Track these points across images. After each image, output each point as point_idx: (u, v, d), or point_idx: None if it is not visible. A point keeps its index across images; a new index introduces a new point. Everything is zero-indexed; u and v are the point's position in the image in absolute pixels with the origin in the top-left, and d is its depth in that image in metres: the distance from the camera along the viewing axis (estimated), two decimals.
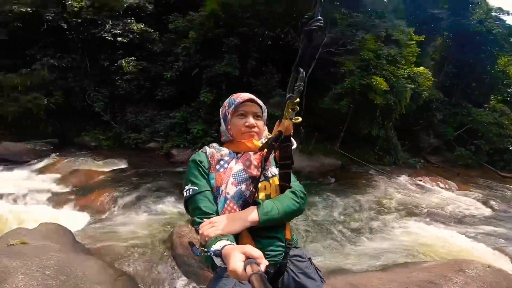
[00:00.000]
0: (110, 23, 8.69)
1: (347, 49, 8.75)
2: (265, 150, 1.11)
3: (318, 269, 1.23)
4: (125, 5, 8.85)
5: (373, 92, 7.90)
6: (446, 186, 8.05)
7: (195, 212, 1.07)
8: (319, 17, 0.90)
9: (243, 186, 1.09)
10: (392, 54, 8.27)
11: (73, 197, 5.46)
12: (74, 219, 4.66)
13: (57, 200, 5.24)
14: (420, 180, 8.34)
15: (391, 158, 10.31)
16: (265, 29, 9.07)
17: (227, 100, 1.23)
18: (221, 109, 1.24)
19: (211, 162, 1.15)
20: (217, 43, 8.77)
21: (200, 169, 1.13)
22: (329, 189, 6.79)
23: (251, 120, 1.18)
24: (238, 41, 8.50)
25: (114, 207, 5.08)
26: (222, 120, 1.23)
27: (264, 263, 0.69)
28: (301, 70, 0.96)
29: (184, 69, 8.76)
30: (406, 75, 8.63)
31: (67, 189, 5.86)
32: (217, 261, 0.82)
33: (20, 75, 7.99)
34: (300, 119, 1.10)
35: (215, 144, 1.23)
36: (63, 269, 2.81)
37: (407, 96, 8.66)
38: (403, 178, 8.40)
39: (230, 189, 1.08)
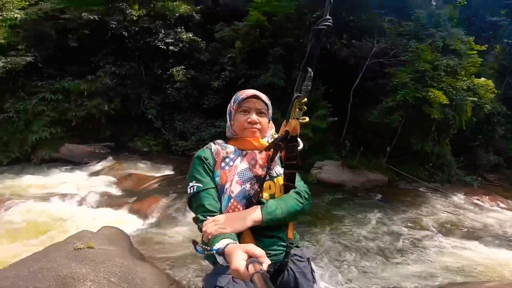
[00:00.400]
0: (163, 32, 9.19)
1: (400, 60, 8.29)
2: (272, 150, 1.11)
3: (313, 270, 1.25)
4: (177, 14, 9.28)
5: (428, 106, 7.38)
6: (508, 206, 7.37)
7: (198, 209, 1.07)
8: (328, 17, 0.89)
9: (248, 185, 1.08)
10: (452, 65, 7.65)
11: (127, 200, 5.83)
12: (129, 223, 4.96)
13: (113, 203, 5.62)
14: (478, 199, 7.66)
15: (444, 175, 9.49)
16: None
17: (234, 96, 1.23)
18: (228, 106, 1.25)
19: (216, 159, 1.14)
20: (262, 53, 8.88)
21: (205, 166, 1.12)
22: (375, 206, 6.47)
23: (253, 117, 1.17)
24: (283, 51, 8.52)
25: (164, 213, 5.32)
26: (228, 117, 1.23)
27: (266, 262, 0.69)
28: (310, 69, 0.96)
29: (230, 79, 8.98)
30: (466, 87, 7.95)
31: (122, 192, 6.30)
32: (220, 259, 0.82)
33: (86, 82, 8.72)
34: (307, 119, 1.09)
35: (220, 141, 1.22)
36: (125, 276, 2.98)
37: (468, 109, 7.95)
38: (458, 197, 7.79)
39: (235, 187, 1.07)
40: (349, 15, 9.63)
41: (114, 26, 8.44)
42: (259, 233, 1.07)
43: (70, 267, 2.72)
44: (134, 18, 8.51)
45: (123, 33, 8.65)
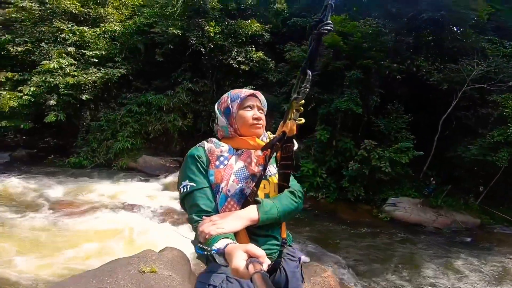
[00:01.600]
0: (235, 50, 9.37)
1: (509, 86, 6.89)
2: (269, 149, 1.10)
3: (303, 270, 1.27)
4: (249, 33, 9.40)
5: None
6: None
7: (192, 209, 1.05)
8: (329, 21, 0.90)
9: (244, 184, 1.08)
10: None
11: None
12: (188, 243, 4.85)
13: (177, 220, 5.66)
14: None
15: None
16: (391, 61, 8.23)
17: (226, 95, 1.21)
18: (218, 104, 1.22)
19: (210, 158, 1.12)
20: (336, 76, 8.37)
21: (199, 164, 1.10)
22: (462, 250, 5.77)
23: (258, 113, 1.17)
24: (360, 74, 7.91)
25: None
26: (221, 115, 1.19)
27: (266, 262, 0.70)
28: (309, 72, 0.96)
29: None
30: None
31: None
32: (220, 259, 0.81)
33: (166, 96, 9.41)
34: (303, 120, 1.09)
35: (214, 139, 1.18)
36: None
37: None
38: None
39: (232, 186, 1.07)
40: (439, 34, 8.60)
41: (193, 42, 8.87)
42: (254, 232, 1.07)
43: None
44: (211, 34, 8.82)
45: (201, 49, 9.04)
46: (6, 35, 8.62)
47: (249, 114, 1.16)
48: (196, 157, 1.11)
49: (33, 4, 8.74)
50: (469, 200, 7.89)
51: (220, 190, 1.07)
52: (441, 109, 7.99)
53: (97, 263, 3.53)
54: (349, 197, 8.00)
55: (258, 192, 1.09)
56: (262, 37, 9.95)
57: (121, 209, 5.93)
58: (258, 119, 1.17)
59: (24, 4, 8.63)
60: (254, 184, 1.07)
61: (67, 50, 8.64)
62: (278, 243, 1.16)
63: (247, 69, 9.34)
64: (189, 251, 4.46)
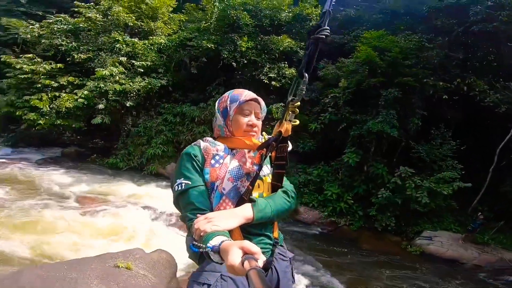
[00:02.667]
0: (268, 66, 9.39)
1: None
2: (264, 149, 1.12)
3: (293, 270, 1.28)
4: (280, 48, 9.37)
5: None
6: None
7: (187, 207, 1.06)
8: (327, 27, 0.92)
9: (239, 183, 1.09)
10: None
11: None
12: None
13: (184, 227, 5.61)
14: None
15: None
16: (437, 79, 7.44)
17: (227, 94, 1.22)
18: (218, 102, 1.23)
19: (206, 156, 1.12)
20: (371, 95, 7.82)
21: (194, 162, 1.11)
22: None
23: (254, 120, 1.18)
24: (398, 93, 7.26)
25: None
26: (219, 114, 1.20)
27: (261, 259, 0.71)
28: (306, 75, 0.98)
29: (330, 122, 8.21)
30: None
31: None
32: (215, 257, 0.81)
33: (199, 109, 9.77)
34: (297, 121, 1.10)
35: (209, 138, 1.20)
36: None
37: None
38: None
39: (227, 185, 1.08)
40: (494, 49, 7.66)
41: (225, 55, 9.15)
42: (247, 231, 1.08)
43: (88, 285, 2.49)
44: (243, 49, 9.01)
45: (233, 63, 9.27)
46: (73, 43, 9.97)
47: (244, 120, 1.17)
48: (192, 155, 1.12)
49: (97, 15, 10.04)
50: None
51: (215, 188, 1.08)
52: (497, 136, 6.98)
53: (91, 253, 3.60)
54: (376, 226, 7.31)
55: (253, 192, 1.11)
56: (297, 54, 9.85)
57: (136, 209, 6.12)
58: (252, 126, 1.17)
59: (90, 15, 9.94)
60: (249, 183, 1.08)
61: (120, 59, 9.63)
62: (270, 242, 1.18)
63: (278, 85, 9.26)
64: (184, 256, 4.36)
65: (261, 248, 1.05)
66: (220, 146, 1.15)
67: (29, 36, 10.05)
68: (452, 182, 6.89)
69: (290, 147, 1.15)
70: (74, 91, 9.46)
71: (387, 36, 7.86)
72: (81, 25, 10.12)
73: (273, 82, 9.22)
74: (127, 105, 9.50)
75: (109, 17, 10.05)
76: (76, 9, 10.34)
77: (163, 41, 10.18)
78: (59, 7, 11.17)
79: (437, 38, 7.89)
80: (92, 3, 10.46)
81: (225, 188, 1.08)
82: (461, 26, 7.61)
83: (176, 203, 1.14)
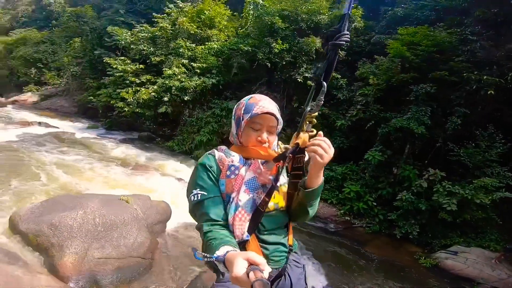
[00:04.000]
0: (305, 66, 9.73)
1: None
2: (281, 161, 1.11)
3: (306, 277, 1.29)
4: (313, 49, 9.57)
5: None
6: None
7: (202, 217, 1.06)
8: (347, 32, 0.89)
9: (255, 194, 1.09)
10: None
11: None
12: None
13: None
14: None
15: None
16: (482, 73, 6.61)
17: (244, 101, 1.19)
18: (235, 108, 1.21)
19: (221, 167, 1.13)
20: (403, 92, 7.39)
21: (210, 173, 1.12)
22: None
23: (264, 136, 1.15)
24: (431, 88, 6.70)
25: None
26: (234, 122, 1.21)
27: (267, 270, 0.69)
28: (325, 84, 0.96)
29: (359, 120, 8.10)
30: None
31: None
32: (220, 267, 0.81)
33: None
34: (315, 131, 1.08)
35: (224, 147, 1.21)
36: (113, 228, 3.61)
37: None
38: None
39: (243, 196, 1.08)
40: None
41: (260, 57, 9.98)
42: (263, 240, 1.11)
43: (91, 202, 3.72)
44: (276, 51, 9.63)
45: (267, 64, 10.01)
46: (151, 48, 12.42)
47: (254, 134, 1.15)
48: (207, 166, 1.13)
49: (168, 25, 12.29)
50: None
51: (231, 200, 1.09)
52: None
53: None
54: (396, 233, 6.78)
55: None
56: (339, 56, 9.93)
57: (172, 179, 7.53)
58: (261, 142, 1.15)
59: (162, 25, 12.28)
60: (265, 194, 1.09)
61: (182, 61, 11.54)
62: (286, 250, 1.19)
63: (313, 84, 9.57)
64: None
65: (276, 256, 1.13)
66: (235, 156, 1.15)
67: (123, 42, 12.94)
68: (495, 192, 5.93)
69: (307, 157, 1.12)
70: (148, 86, 11.80)
71: (424, 30, 7.36)
72: (157, 33, 12.56)
73: (309, 82, 9.55)
74: (185, 99, 11.30)
75: (176, 26, 12.17)
76: (155, 20, 12.81)
77: (216, 46, 11.70)
78: (147, 17, 13.96)
79: (484, 30, 7.00)
80: (165, 14, 12.79)
81: (241, 199, 1.08)
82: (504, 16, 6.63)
83: (192, 212, 1.14)
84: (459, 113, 6.78)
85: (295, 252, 1.26)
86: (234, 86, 12.03)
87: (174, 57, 11.87)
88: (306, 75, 9.49)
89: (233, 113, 1.21)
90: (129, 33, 13.10)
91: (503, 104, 6.81)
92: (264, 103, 1.14)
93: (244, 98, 1.20)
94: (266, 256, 1.12)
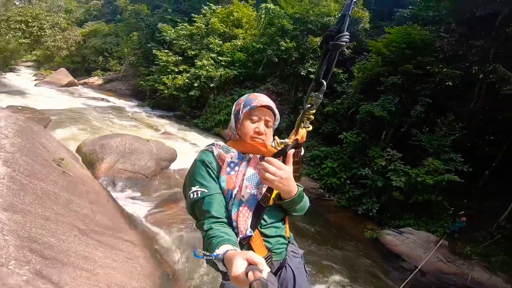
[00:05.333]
0: (311, 62, 11.20)
1: None
2: (281, 157, 1.10)
3: (305, 265, 1.32)
4: (314, 46, 10.94)
5: None
6: None
7: (203, 215, 1.05)
8: (346, 33, 0.91)
9: (257, 190, 1.10)
10: None
11: None
12: None
13: None
14: None
15: None
16: (446, 66, 7.40)
17: (244, 97, 1.21)
18: (235, 104, 1.23)
19: (220, 163, 1.13)
20: (381, 83, 8.51)
21: (210, 170, 1.11)
22: None
23: (261, 128, 1.16)
24: (399, 80, 7.71)
25: None
26: (233, 117, 1.21)
27: (266, 270, 0.70)
28: (324, 83, 0.98)
29: (348, 108, 9.47)
30: None
31: None
32: (220, 265, 0.82)
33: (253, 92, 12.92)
34: (311, 127, 1.11)
35: (221, 143, 1.21)
36: (134, 153, 5.81)
37: None
38: None
39: (245, 192, 1.09)
40: None
41: (269, 53, 11.80)
42: (265, 234, 1.14)
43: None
44: (283, 48, 11.34)
45: (275, 59, 11.83)
46: (188, 43, 14.98)
47: (252, 126, 1.16)
48: (207, 162, 1.12)
49: (202, 24, 14.70)
50: None
51: (233, 196, 1.09)
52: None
53: None
54: (359, 209, 7.78)
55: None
56: (343, 53, 11.25)
57: (187, 144, 9.85)
58: (259, 133, 1.16)
59: (197, 24, 14.76)
60: (265, 190, 1.09)
61: (211, 56, 13.86)
62: (285, 242, 1.22)
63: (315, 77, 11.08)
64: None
65: (278, 248, 1.19)
66: (234, 152, 1.15)
67: (168, 38, 15.71)
68: (442, 175, 6.67)
69: (302, 152, 1.15)
70: (183, 75, 14.42)
71: (403, 29, 8.32)
72: (194, 31, 15.02)
73: (311, 76, 11.00)
74: (211, 86, 13.64)
75: (208, 26, 14.51)
76: (194, 19, 15.34)
77: (239, 43, 13.79)
78: (190, 16, 16.56)
79: (459, 28, 7.78)
80: (201, 15, 15.21)
81: (244, 195, 1.08)
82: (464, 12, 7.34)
83: (191, 210, 1.12)
84: (422, 102, 7.70)
85: (292, 243, 1.28)
86: (252, 77, 14.03)
87: (206, 52, 14.26)
88: (310, 69, 11.01)
89: (233, 109, 1.22)
90: (173, 30, 15.80)
91: (467, 95, 7.55)
92: (262, 98, 1.18)
93: (243, 95, 1.23)
94: (269, 249, 1.15)
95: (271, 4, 11.89)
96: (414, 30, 8.27)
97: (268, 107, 1.17)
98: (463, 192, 7.58)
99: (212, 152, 1.15)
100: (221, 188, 1.10)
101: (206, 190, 1.07)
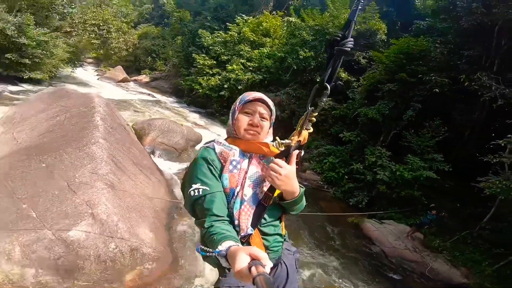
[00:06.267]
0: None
1: None
2: (284, 158, 1.12)
3: (297, 262, 1.40)
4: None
5: None
6: None
7: (204, 213, 1.06)
8: (351, 38, 0.95)
9: (258, 189, 1.14)
10: None
11: None
12: None
13: None
14: None
15: None
16: (436, 74, 8.18)
17: (240, 96, 1.25)
18: (233, 105, 1.27)
19: (223, 161, 1.15)
20: (377, 89, 9.62)
21: (211, 167, 1.12)
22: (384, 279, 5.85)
23: (256, 120, 1.18)
24: (394, 87, 8.75)
25: None
26: (230, 114, 1.25)
27: (268, 265, 0.71)
28: (329, 87, 1.02)
29: (353, 112, 10.67)
30: None
31: None
32: (222, 261, 0.83)
33: (277, 96, 14.50)
34: (311, 129, 1.15)
35: (222, 141, 1.22)
36: (170, 131, 7.92)
37: None
38: None
39: (247, 191, 1.11)
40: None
41: (289, 61, 13.31)
42: (263, 233, 1.15)
43: None
44: (301, 57, 12.80)
45: (294, 66, 13.31)
46: (222, 49, 17.16)
47: (245, 119, 1.18)
48: (209, 160, 1.13)
49: (235, 33, 16.80)
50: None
51: (236, 194, 1.11)
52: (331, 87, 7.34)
53: None
54: (350, 202, 8.74)
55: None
56: (359, 63, 12.28)
57: (210, 132, 11.83)
58: (253, 125, 1.17)
59: (231, 33, 16.89)
60: (267, 189, 1.12)
61: (241, 61, 15.86)
62: (282, 240, 1.26)
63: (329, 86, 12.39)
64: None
65: (276, 246, 1.22)
66: (236, 150, 1.17)
67: (205, 44, 18.06)
68: (423, 171, 7.50)
69: (302, 153, 1.18)
70: (216, 77, 16.63)
71: (406, 40, 9.30)
72: (227, 38, 17.16)
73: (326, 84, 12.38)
74: (239, 88, 15.62)
75: (240, 34, 16.55)
76: (228, 27, 17.52)
77: (266, 51, 15.61)
78: (226, 23, 18.75)
79: (455, 39, 8.51)
80: (235, 24, 17.30)
81: (246, 194, 1.10)
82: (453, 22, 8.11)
83: (191, 207, 1.12)
84: (414, 107, 8.63)
85: (286, 241, 1.32)
86: (277, 82, 15.70)
87: (237, 57, 16.30)
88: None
89: (231, 109, 1.25)
90: (210, 36, 18.11)
91: (455, 101, 8.33)
92: (256, 93, 1.21)
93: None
94: (267, 247, 1.18)
95: (294, 18, 13.53)
96: (411, 41, 9.27)
97: (262, 101, 1.20)
98: (458, 195, 8.20)
99: (214, 149, 1.17)
100: (223, 186, 1.11)
101: (207, 188, 1.07)
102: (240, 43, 16.59)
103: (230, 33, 17.07)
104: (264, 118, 1.20)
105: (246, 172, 1.13)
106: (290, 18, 13.58)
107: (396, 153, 8.76)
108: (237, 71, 15.60)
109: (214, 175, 1.11)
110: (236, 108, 1.22)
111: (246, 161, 1.16)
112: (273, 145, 1.17)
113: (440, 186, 7.99)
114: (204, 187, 1.07)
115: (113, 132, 4.36)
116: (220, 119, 16.20)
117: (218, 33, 17.95)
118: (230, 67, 15.73)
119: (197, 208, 1.09)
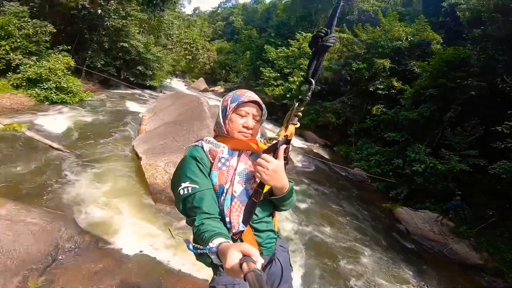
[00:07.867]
0: (380, 80, 13.36)
1: None
2: (271, 153, 1.14)
3: (290, 259, 1.42)
4: (387, 68, 13.01)
5: None
6: None
7: (194, 211, 1.07)
8: (334, 34, 0.98)
9: (248, 185, 1.15)
10: None
11: None
12: None
13: None
14: None
15: None
16: (474, 79, 8.90)
17: (231, 93, 1.26)
18: (222, 100, 1.27)
19: (212, 159, 1.17)
20: (421, 95, 10.72)
21: (200, 166, 1.15)
22: (403, 260, 5.89)
23: (249, 123, 1.21)
24: (435, 92, 9.78)
25: None
26: (220, 112, 1.25)
27: (260, 261, 0.71)
28: (313, 82, 1.06)
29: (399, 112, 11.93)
30: None
31: None
32: (213, 258, 0.83)
33: (331, 103, 16.38)
34: (298, 124, 1.20)
35: (210, 139, 1.24)
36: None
37: None
38: None
39: (237, 187, 1.13)
40: None
41: (343, 72, 14.97)
42: (256, 230, 1.18)
43: None
44: (354, 68, 14.17)
45: (347, 77, 14.97)
46: (285, 63, 19.73)
47: (240, 121, 1.20)
48: (198, 158, 1.15)
49: (295, 48, 19.22)
50: None
51: (225, 191, 1.13)
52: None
53: None
54: (390, 193, 9.66)
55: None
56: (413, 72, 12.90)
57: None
58: (247, 128, 1.20)
59: (292, 48, 19.37)
60: (257, 185, 1.15)
61: (301, 74, 18.17)
62: (275, 236, 1.29)
63: (382, 93, 13.08)
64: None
65: (269, 243, 1.25)
66: (225, 147, 1.19)
67: (270, 58, 20.93)
68: (458, 165, 8.10)
69: (290, 147, 1.19)
70: (279, 87, 19.34)
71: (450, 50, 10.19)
72: (289, 53, 19.69)
73: (379, 91, 13.15)
74: (299, 97, 17.85)
75: (300, 49, 18.90)
76: (290, 43, 20.04)
77: (323, 64, 17.55)
78: (288, 39, 21.17)
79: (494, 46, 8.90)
80: (295, 40, 19.68)
81: (236, 190, 1.12)
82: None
83: (182, 206, 1.12)
84: (454, 109, 9.44)
85: (279, 237, 1.34)
86: (334, 92, 17.39)
87: (297, 70, 18.70)
88: (378, 86, 13.26)
89: (220, 105, 1.25)
90: (274, 52, 20.89)
91: (493, 103, 8.75)
92: (250, 94, 1.23)
93: (231, 92, 1.26)
94: (260, 244, 1.20)
95: (346, 34, 15.24)
96: (450, 50, 10.23)
97: (256, 102, 1.22)
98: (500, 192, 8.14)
99: (202, 147, 1.19)
100: (212, 183, 1.13)
101: (197, 186, 1.09)
102: (300, 58, 18.95)
103: (291, 48, 19.60)
104: (257, 120, 1.24)
105: (235, 169, 1.16)
106: (343, 35, 15.33)
107: (436, 152, 9.43)
108: (297, 83, 17.97)
109: (203, 173, 1.14)
110: (229, 108, 1.22)
111: (235, 158, 1.19)
112: (261, 142, 1.24)
113: (477, 181, 8.36)
114: (193, 185, 1.09)
115: (213, 117, 7.13)
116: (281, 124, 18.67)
117: (281, 48, 20.65)
118: (291, 79, 18.22)
119: (187, 206, 1.10)
